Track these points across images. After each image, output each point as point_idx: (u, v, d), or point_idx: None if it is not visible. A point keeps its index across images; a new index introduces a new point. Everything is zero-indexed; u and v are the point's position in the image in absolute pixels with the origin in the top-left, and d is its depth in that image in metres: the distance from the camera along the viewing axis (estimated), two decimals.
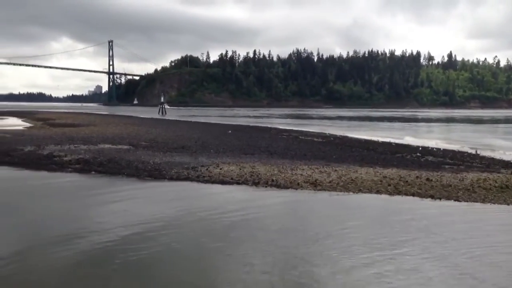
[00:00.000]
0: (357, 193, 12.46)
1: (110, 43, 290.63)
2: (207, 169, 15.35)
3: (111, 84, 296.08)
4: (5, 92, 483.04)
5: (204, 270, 7.00)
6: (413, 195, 12.21)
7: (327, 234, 8.76)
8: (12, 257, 7.30)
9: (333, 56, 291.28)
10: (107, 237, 8.35)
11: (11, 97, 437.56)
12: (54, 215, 10.16)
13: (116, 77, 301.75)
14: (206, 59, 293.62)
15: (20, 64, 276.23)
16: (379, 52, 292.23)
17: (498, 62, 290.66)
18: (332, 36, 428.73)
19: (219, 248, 7.93)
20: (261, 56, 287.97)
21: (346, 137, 32.68)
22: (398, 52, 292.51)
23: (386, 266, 7.10)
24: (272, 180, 13.77)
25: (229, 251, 7.77)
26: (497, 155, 22.11)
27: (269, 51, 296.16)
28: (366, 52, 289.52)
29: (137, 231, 8.78)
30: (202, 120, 61.60)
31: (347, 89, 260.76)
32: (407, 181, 13.77)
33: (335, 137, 32.53)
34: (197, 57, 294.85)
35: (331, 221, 9.74)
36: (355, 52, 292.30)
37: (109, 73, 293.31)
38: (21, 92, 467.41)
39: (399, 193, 12.42)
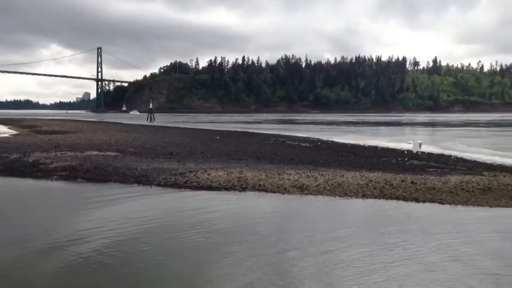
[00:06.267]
0: (343, 197, 12.62)
1: (99, 50, 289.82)
2: (194, 174, 15.42)
3: (99, 90, 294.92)
4: None
5: (187, 275, 7.09)
6: (398, 198, 12.40)
7: (318, 239, 8.88)
8: None
9: (321, 62, 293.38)
10: (88, 246, 8.35)
11: None
12: (36, 223, 10.06)
13: (105, 84, 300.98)
14: (195, 65, 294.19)
15: (8, 72, 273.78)
16: (366, 58, 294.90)
17: (482, 67, 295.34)
18: (322, 41, 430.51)
19: (205, 251, 8.02)
20: (250, 62, 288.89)
21: (333, 141, 32.95)
22: (384, 58, 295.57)
23: (383, 268, 7.25)
24: (260, 185, 13.88)
25: (213, 258, 7.86)
26: (480, 157, 22.47)
27: (258, 57, 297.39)
28: (353, 58, 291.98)
29: (118, 239, 8.83)
30: (191, 126, 61.57)
31: (334, 95, 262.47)
32: (392, 185, 13.98)
33: (322, 141, 32.79)
34: (186, 64, 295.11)
35: (321, 226, 9.86)
36: (342, 58, 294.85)
37: (97, 80, 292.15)
38: (8, 99, 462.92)
39: (384, 196, 12.61)
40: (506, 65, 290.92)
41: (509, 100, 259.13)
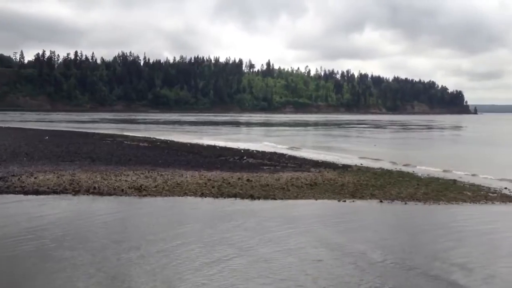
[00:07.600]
0: (182, 196, 12.64)
1: None
2: (19, 178, 13.99)
3: None
4: None
5: None
6: (235, 196, 12.85)
7: (158, 239, 8.72)
8: None
9: (160, 60, 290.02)
10: None
11: None
12: None
13: None
14: (20, 58, 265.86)
15: None
16: (205, 59, 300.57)
17: (309, 71, 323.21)
18: (161, 40, 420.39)
19: (38, 259, 7.32)
20: (84, 58, 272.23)
21: (173, 141, 32.85)
22: (222, 59, 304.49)
23: (221, 263, 7.38)
24: (95, 188, 13.16)
25: (48, 266, 7.22)
26: (308, 155, 24.55)
27: (93, 53, 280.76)
28: (192, 58, 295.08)
29: None
30: (14, 125, 55.72)
31: (173, 94, 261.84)
32: (229, 183, 14.44)
33: (161, 141, 32.48)
34: (9, 56, 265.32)
35: (160, 226, 9.73)
36: (181, 57, 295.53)
37: None
38: None
39: (222, 194, 12.95)
40: (329, 70, 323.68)
41: (332, 103, 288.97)
